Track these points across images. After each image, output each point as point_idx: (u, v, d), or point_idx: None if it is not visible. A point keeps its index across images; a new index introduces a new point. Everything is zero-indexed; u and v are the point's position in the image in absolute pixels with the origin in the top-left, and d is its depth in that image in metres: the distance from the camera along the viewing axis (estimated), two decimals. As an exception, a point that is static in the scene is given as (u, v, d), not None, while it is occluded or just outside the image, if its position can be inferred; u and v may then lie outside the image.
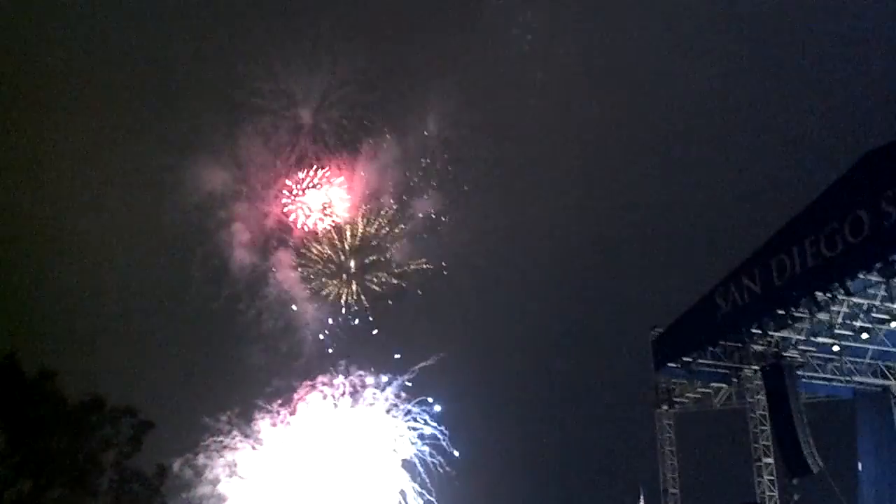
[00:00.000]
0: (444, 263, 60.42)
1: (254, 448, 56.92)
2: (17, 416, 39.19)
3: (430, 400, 59.12)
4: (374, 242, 62.53)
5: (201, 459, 52.64)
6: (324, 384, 59.31)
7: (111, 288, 54.68)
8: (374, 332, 61.47)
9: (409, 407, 59.57)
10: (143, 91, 55.78)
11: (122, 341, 53.50)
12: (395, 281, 62.86)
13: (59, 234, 52.82)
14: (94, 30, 55.85)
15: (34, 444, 38.94)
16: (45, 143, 54.32)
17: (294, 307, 61.14)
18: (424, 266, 61.88)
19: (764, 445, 35.08)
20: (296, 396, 58.67)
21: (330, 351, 60.97)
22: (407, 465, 58.99)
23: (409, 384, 59.15)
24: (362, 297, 62.17)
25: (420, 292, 61.74)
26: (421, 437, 59.35)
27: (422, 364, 58.86)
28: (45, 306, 50.83)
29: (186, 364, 55.29)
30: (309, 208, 61.21)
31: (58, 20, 54.81)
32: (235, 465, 55.83)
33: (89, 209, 54.20)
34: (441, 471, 57.95)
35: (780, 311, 33.26)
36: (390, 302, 62.47)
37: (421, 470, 58.47)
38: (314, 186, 61.39)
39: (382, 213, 62.04)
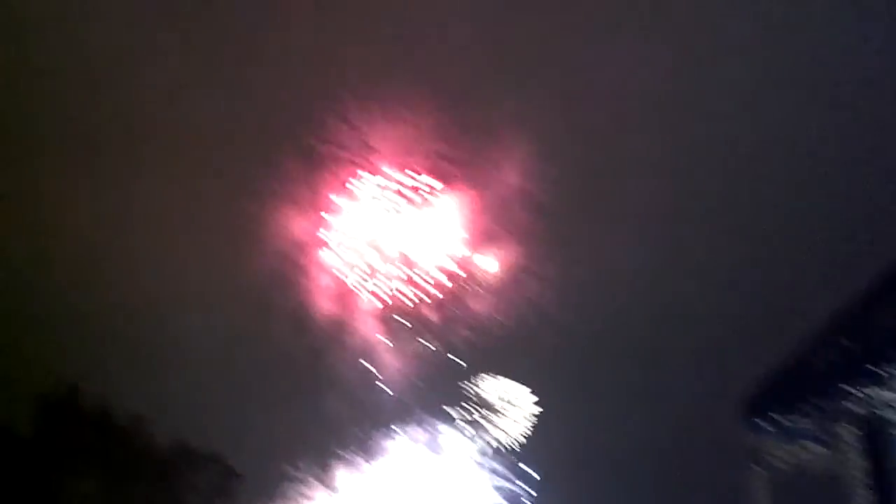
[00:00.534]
0: (526, 317, 60.20)
1: (331, 496, 57.09)
2: (108, 462, 39.98)
3: (511, 454, 58.80)
4: (454, 295, 62.69)
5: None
6: (403, 435, 59.33)
7: (195, 335, 55.82)
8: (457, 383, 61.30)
9: (491, 463, 59.32)
10: (228, 140, 57.47)
11: (207, 389, 54.44)
12: (474, 334, 62.87)
13: (144, 284, 54.34)
14: (180, 82, 57.83)
15: (123, 490, 39.58)
16: (132, 195, 56.31)
17: (375, 357, 61.56)
18: (504, 322, 61.85)
19: (863, 509, 33.88)
20: (375, 446, 58.78)
21: (410, 401, 61.04)
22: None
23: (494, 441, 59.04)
24: (445, 350, 62.25)
25: (500, 345, 61.54)
26: (500, 491, 58.83)
27: (506, 415, 58.65)
28: (134, 353, 52.16)
29: (267, 412, 55.94)
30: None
31: (146, 75, 56.94)
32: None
33: (175, 257, 55.74)
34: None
35: (877, 369, 32.33)
36: (461, 363, 62.51)
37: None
38: (394, 235, 62.06)
39: (461, 264, 62.25)
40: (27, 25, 54.50)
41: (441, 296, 62.34)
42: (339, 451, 57.52)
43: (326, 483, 56.95)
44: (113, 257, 54.31)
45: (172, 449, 42.89)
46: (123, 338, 51.68)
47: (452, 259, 61.89)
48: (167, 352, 52.56)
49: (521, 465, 58.16)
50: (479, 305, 62.06)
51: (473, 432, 59.65)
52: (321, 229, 61.20)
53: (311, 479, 56.40)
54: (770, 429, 37.17)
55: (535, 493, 57.08)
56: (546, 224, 57.88)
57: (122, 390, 43.33)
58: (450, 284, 61.94)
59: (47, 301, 50.77)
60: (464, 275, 62.14)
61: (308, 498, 56.34)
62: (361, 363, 60.68)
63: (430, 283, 62.59)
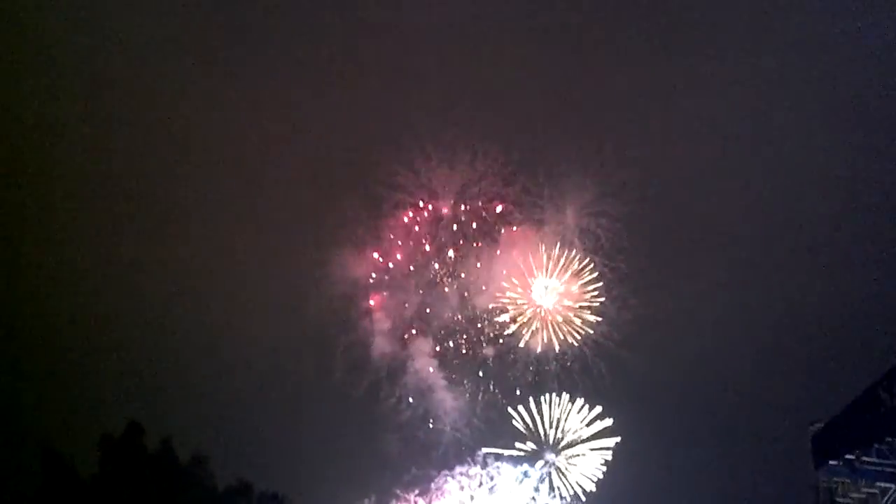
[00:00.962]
0: (585, 351, 59.74)
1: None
2: (172, 499, 40.30)
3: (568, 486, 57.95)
4: (509, 333, 62.43)
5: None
6: (461, 474, 58.83)
7: (257, 379, 56.57)
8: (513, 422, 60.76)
9: (550, 499, 58.44)
10: (292, 186, 58.64)
11: (267, 429, 54.87)
12: (532, 373, 62.46)
13: (209, 329, 55.24)
14: (246, 135, 59.45)
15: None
16: (200, 244, 57.59)
17: (433, 396, 61.42)
18: (563, 359, 61.40)
19: (940, 555, 32.55)
20: (433, 486, 58.38)
21: (467, 440, 60.62)
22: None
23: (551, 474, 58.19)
24: (497, 393, 61.92)
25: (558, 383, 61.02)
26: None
27: (565, 453, 57.92)
28: (198, 395, 52.86)
29: (326, 451, 56.05)
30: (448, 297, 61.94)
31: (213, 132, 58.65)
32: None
33: (240, 303, 56.84)
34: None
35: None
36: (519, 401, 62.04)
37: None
38: (452, 275, 62.21)
39: (520, 302, 62.07)
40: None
41: (499, 334, 62.31)
42: (398, 491, 57.30)
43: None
44: (180, 303, 55.48)
45: (232, 487, 42.98)
46: (187, 380, 52.51)
47: (511, 297, 61.92)
48: (230, 394, 53.23)
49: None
50: (537, 343, 61.81)
51: (532, 470, 59.04)
52: (381, 272, 61.86)
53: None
54: (843, 469, 35.86)
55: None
56: (605, 263, 58.00)
57: (185, 431, 43.76)
58: (508, 322, 61.93)
59: (114, 345, 51.93)
60: (522, 313, 62.08)
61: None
62: (419, 402, 60.73)
63: (488, 322, 62.65)
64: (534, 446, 60.12)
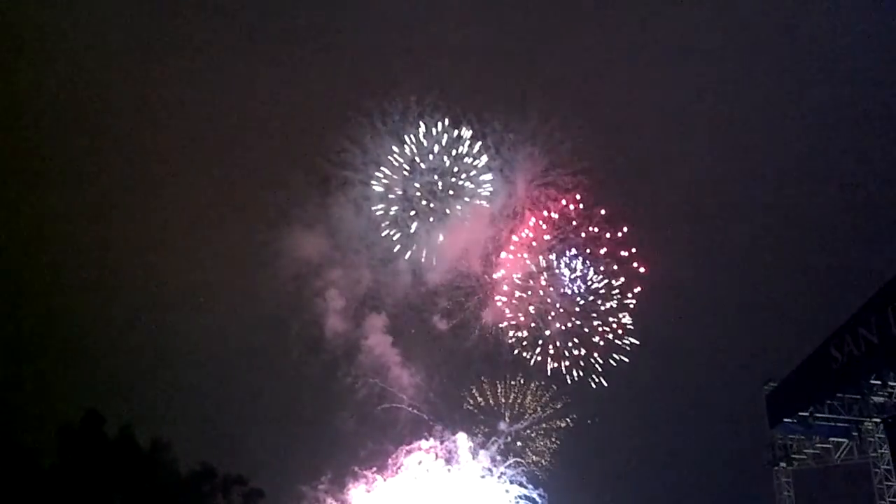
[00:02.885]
0: (537, 324, 60.26)
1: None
2: (134, 486, 39.86)
3: (526, 463, 58.46)
4: (464, 306, 62.70)
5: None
6: (418, 449, 59.09)
7: (213, 361, 55.98)
8: (473, 400, 61.16)
9: (504, 470, 58.91)
10: (242, 164, 57.95)
11: (226, 411, 54.46)
12: (487, 344, 62.79)
13: (162, 311, 54.59)
14: (199, 109, 58.36)
15: (149, 514, 39.41)
16: (150, 224, 56.71)
17: (388, 374, 61.47)
18: (518, 333, 61.81)
19: (891, 502, 33.77)
20: (390, 462, 58.56)
21: (424, 416, 60.83)
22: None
23: (507, 447, 58.67)
24: (458, 362, 62.10)
25: (515, 353, 61.51)
26: (519, 499, 58.48)
27: (519, 426, 58.40)
28: (155, 380, 52.28)
29: (283, 431, 55.88)
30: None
31: (168, 110, 57.56)
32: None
33: (193, 283, 56.07)
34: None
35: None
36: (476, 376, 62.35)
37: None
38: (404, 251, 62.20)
39: (474, 275, 62.30)
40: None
41: (452, 308, 62.53)
42: (356, 468, 57.35)
43: (344, 500, 56.74)
44: (133, 286, 54.62)
45: (195, 472, 42.65)
46: (144, 365, 51.87)
47: (463, 269, 62.14)
48: (187, 378, 52.69)
49: (535, 473, 57.97)
50: (490, 315, 62.20)
51: (487, 444, 59.55)
52: (333, 250, 61.50)
53: (328, 498, 56.20)
54: (797, 426, 36.96)
55: (546, 495, 56.79)
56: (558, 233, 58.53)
57: (144, 417, 43.26)
58: (460, 296, 62.18)
59: (70, 331, 50.91)
60: (474, 283, 62.39)
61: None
62: (375, 380, 60.73)
63: (440, 296, 62.82)
64: (488, 419, 60.74)
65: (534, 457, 58.34)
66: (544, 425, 57.99)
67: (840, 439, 37.60)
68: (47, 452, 39.51)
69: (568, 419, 57.62)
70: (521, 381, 60.07)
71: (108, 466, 39.33)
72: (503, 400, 60.50)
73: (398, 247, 61.94)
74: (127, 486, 39.77)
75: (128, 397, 46.03)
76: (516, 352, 61.18)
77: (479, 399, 61.35)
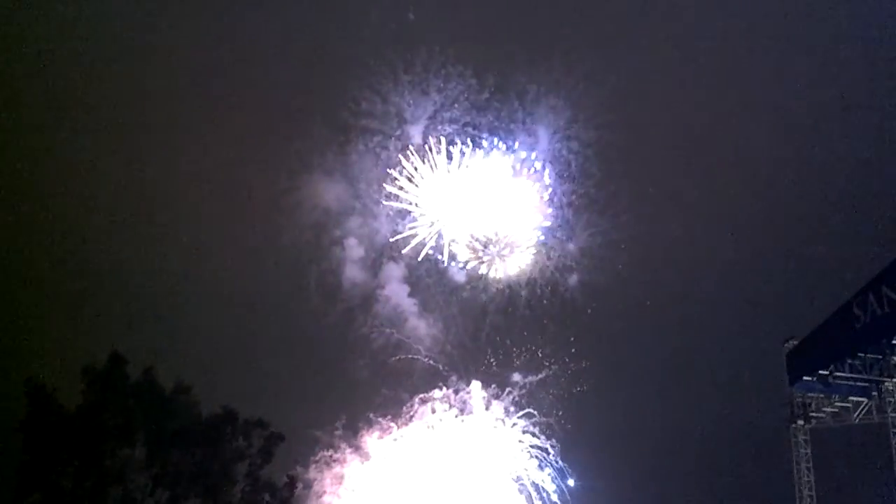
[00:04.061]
0: (556, 276, 60.22)
1: (362, 462, 57.42)
2: (156, 429, 40.29)
3: (537, 414, 58.81)
4: (482, 259, 62.67)
5: (312, 472, 53.33)
6: (432, 399, 59.55)
7: (234, 308, 56.42)
8: (490, 353, 61.38)
9: (517, 420, 59.34)
10: (262, 114, 57.71)
11: (245, 358, 54.95)
12: (503, 298, 62.88)
13: (184, 258, 54.85)
14: (216, 63, 58.00)
15: (171, 455, 39.93)
16: (172, 172, 56.69)
17: (405, 324, 61.74)
18: (531, 285, 61.79)
19: (908, 461, 33.84)
20: (404, 410, 59.06)
21: (439, 367, 61.20)
22: (517, 476, 58.65)
23: (521, 399, 58.99)
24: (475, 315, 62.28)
25: (529, 307, 61.60)
26: (529, 449, 58.97)
27: (533, 377, 58.64)
28: (177, 326, 52.63)
29: (300, 378, 56.37)
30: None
31: (188, 59, 57.11)
32: (344, 477, 56.44)
33: (213, 231, 56.17)
34: (554, 485, 57.53)
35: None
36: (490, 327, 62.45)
37: (531, 481, 58.09)
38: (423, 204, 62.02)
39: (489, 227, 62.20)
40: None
41: (471, 258, 62.55)
42: (370, 415, 57.85)
43: (359, 446, 57.35)
44: (154, 232, 54.83)
45: (217, 415, 43.05)
46: (167, 311, 52.21)
47: (480, 222, 62.00)
48: (209, 324, 53.07)
49: (550, 423, 58.28)
50: (509, 268, 62.21)
51: (501, 395, 59.94)
52: (353, 199, 61.43)
53: (343, 444, 56.82)
54: (816, 384, 36.99)
55: (557, 444, 57.18)
56: (578, 187, 58.16)
57: (166, 360, 43.60)
58: (479, 247, 62.14)
59: (93, 275, 51.25)
60: (492, 236, 62.29)
61: (341, 462, 56.78)
62: (391, 331, 61.04)
63: (460, 247, 62.81)
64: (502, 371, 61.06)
65: (547, 408, 58.84)
66: (559, 378, 58.39)
67: (859, 398, 37.65)
68: (71, 395, 39.95)
69: (584, 368, 58.03)
70: (537, 334, 60.40)
71: (132, 408, 39.64)
72: (518, 352, 60.82)
73: (417, 198, 62.06)
74: (150, 427, 40.10)
75: (150, 341, 46.48)
76: (532, 304, 61.53)
77: (495, 351, 61.74)
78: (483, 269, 61.91)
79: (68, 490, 37.96)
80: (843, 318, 35.29)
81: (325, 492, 54.44)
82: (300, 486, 49.24)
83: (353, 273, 60.12)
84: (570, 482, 55.87)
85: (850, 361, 36.25)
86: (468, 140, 60.70)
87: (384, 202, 61.12)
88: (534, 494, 57.90)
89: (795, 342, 38.29)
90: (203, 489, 40.93)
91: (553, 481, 57.67)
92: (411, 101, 58.73)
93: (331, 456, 56.01)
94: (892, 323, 33.41)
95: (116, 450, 39.69)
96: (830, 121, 54.33)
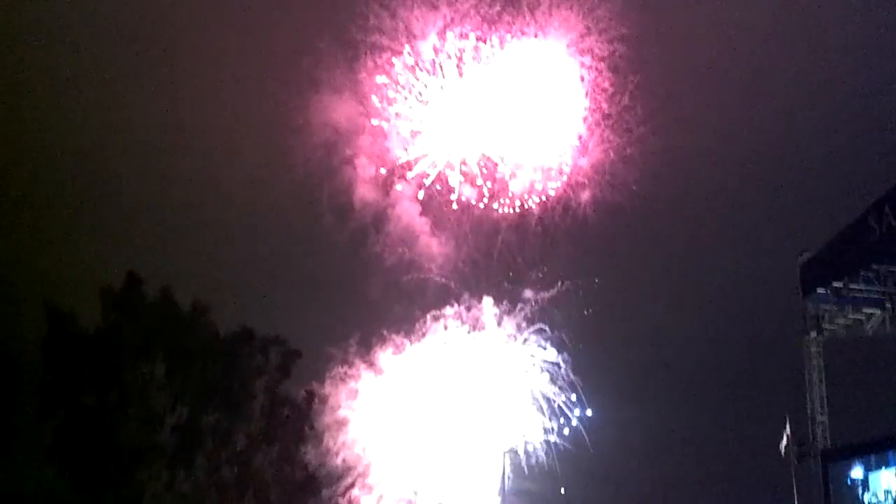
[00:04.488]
0: (570, 193, 60.08)
1: (376, 377, 58.30)
2: (174, 348, 40.86)
3: (548, 329, 59.31)
4: (494, 176, 62.44)
5: (327, 387, 54.16)
6: (445, 316, 60.11)
7: (248, 227, 56.53)
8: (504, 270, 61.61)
9: (528, 336, 59.87)
10: (272, 31, 56.89)
11: (260, 276, 55.35)
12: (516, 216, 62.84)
13: (198, 176, 54.63)
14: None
15: (191, 373, 40.59)
16: (182, 91, 56.16)
17: (417, 241, 61.90)
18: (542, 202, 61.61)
19: (920, 372, 34.13)
20: (417, 327, 59.69)
21: (451, 284, 61.56)
22: (530, 391, 59.51)
23: (532, 315, 59.42)
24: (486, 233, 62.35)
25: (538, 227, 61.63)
26: (541, 365, 59.68)
27: (545, 294, 58.96)
28: (193, 245, 52.82)
29: (313, 296, 56.83)
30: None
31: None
32: (358, 392, 57.38)
33: (225, 149, 55.97)
34: (565, 397, 58.40)
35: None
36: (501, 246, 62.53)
37: (542, 394, 58.95)
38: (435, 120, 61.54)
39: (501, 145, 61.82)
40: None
41: (482, 179, 62.36)
42: (384, 331, 58.49)
43: (372, 362, 58.13)
44: (168, 150, 54.62)
45: (235, 333, 43.63)
46: (182, 229, 52.40)
47: (492, 140, 61.60)
48: (222, 243, 53.30)
49: (562, 338, 58.80)
50: (518, 186, 62.03)
51: (513, 311, 60.40)
52: (363, 117, 60.95)
53: (357, 360, 57.59)
54: (830, 296, 37.11)
55: (570, 359, 57.83)
56: (590, 103, 57.51)
57: (182, 281, 43.91)
58: (490, 166, 61.89)
59: (109, 194, 51.35)
60: (503, 156, 61.96)
61: (355, 378, 57.64)
62: (403, 249, 61.27)
63: (470, 167, 62.53)
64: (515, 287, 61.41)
65: (559, 324, 59.32)
66: (571, 294, 58.70)
67: (873, 310, 37.78)
68: (88, 315, 40.42)
69: (595, 284, 58.25)
70: (550, 252, 60.54)
71: (150, 328, 40.13)
72: (530, 269, 61.06)
73: (427, 116, 61.55)
74: (168, 346, 40.66)
75: (164, 262, 46.77)
76: (545, 222, 61.53)
77: (506, 268, 62.00)
78: (494, 187, 61.84)
79: (91, 407, 38.63)
80: (858, 230, 35.20)
81: (339, 406, 55.50)
82: (316, 401, 50.11)
83: (363, 192, 60.11)
84: (588, 412, 56.59)
85: (864, 273, 36.20)
86: (479, 55, 60.16)
87: (394, 120, 60.87)
88: (544, 406, 58.91)
89: (810, 255, 38.24)
90: (223, 405, 41.77)
91: (563, 394, 58.62)
92: (420, 16, 57.91)
93: (345, 372, 56.89)
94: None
95: (136, 368, 40.25)
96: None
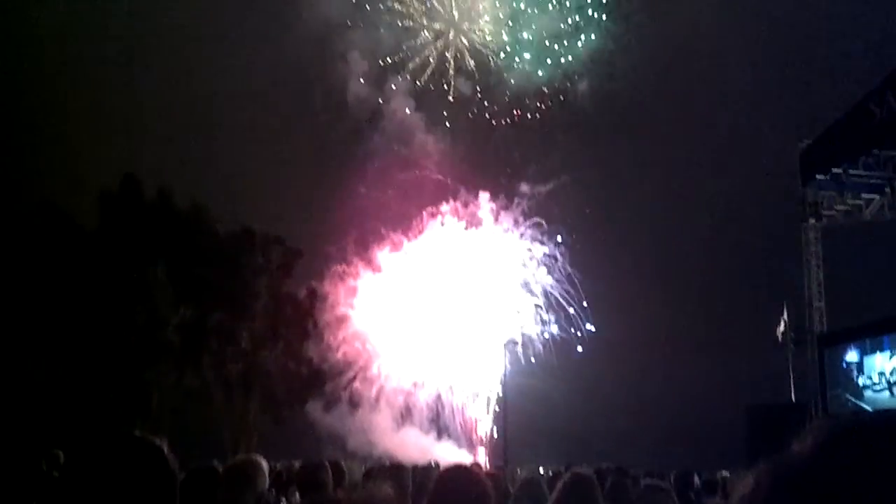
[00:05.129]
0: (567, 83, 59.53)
1: (374, 274, 58.73)
2: (174, 249, 40.85)
3: (545, 223, 59.53)
4: (488, 66, 61.62)
5: (326, 286, 54.58)
6: (442, 212, 60.18)
7: (243, 125, 55.85)
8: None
9: (525, 230, 60.13)
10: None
11: (257, 175, 55.02)
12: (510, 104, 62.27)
13: (193, 74, 53.76)
14: None
15: (192, 275, 40.68)
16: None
17: (412, 138, 61.49)
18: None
19: (917, 254, 34.36)
20: (414, 224, 59.82)
21: (448, 181, 61.44)
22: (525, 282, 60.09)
23: (530, 209, 59.55)
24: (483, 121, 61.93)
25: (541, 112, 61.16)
26: (538, 257, 60.09)
27: (542, 187, 59.02)
28: (190, 145, 52.33)
29: (313, 195, 56.76)
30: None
31: None
32: (357, 290, 57.92)
33: (220, 45, 54.84)
34: (563, 292, 59.02)
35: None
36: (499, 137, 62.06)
37: (540, 287, 59.58)
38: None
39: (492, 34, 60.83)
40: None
41: (475, 67, 61.58)
42: (382, 231, 58.70)
43: (370, 260, 58.49)
44: (163, 49, 53.65)
45: (235, 233, 43.63)
46: (179, 130, 51.90)
47: (486, 32, 60.63)
48: (217, 143, 52.96)
49: (557, 230, 59.10)
50: (515, 76, 61.31)
51: (511, 206, 60.49)
52: (353, 10, 59.75)
53: (355, 258, 57.93)
54: (829, 183, 37.04)
55: (566, 252, 58.30)
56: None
57: (180, 182, 43.67)
58: (484, 52, 61.04)
59: (105, 95, 50.56)
60: (498, 47, 61.06)
61: (353, 276, 58.08)
62: (399, 146, 60.92)
63: (465, 59, 61.68)
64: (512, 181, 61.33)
65: (556, 217, 59.49)
66: (568, 188, 58.69)
67: (872, 196, 37.73)
68: (86, 217, 40.26)
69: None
70: (547, 145, 60.27)
71: (149, 229, 39.97)
72: (527, 163, 60.90)
73: (421, 8, 60.37)
74: (169, 247, 40.60)
75: (164, 163, 46.43)
76: (541, 114, 61.05)
77: (503, 163, 61.83)
78: (489, 80, 61.13)
79: (94, 308, 38.69)
80: (859, 115, 34.80)
81: (339, 304, 56.07)
82: (317, 298, 50.58)
83: (357, 89, 59.42)
84: (590, 327, 57.18)
85: (864, 159, 36.05)
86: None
87: (387, 13, 59.69)
88: (540, 298, 59.60)
89: (809, 141, 38.00)
90: (226, 304, 42.06)
91: (559, 284, 59.23)
92: None
93: (343, 270, 57.35)
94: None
95: (138, 269, 40.23)
96: None
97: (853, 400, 35.23)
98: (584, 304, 57.48)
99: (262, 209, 49.44)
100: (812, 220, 38.65)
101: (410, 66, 60.52)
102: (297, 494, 8.17)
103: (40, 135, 44.59)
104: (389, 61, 60.11)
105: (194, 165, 48.31)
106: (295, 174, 55.47)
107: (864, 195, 37.78)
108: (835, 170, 36.53)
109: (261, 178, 54.60)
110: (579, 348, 57.39)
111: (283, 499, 9.51)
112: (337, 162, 58.80)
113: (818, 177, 37.35)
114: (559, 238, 58.70)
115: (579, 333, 57.54)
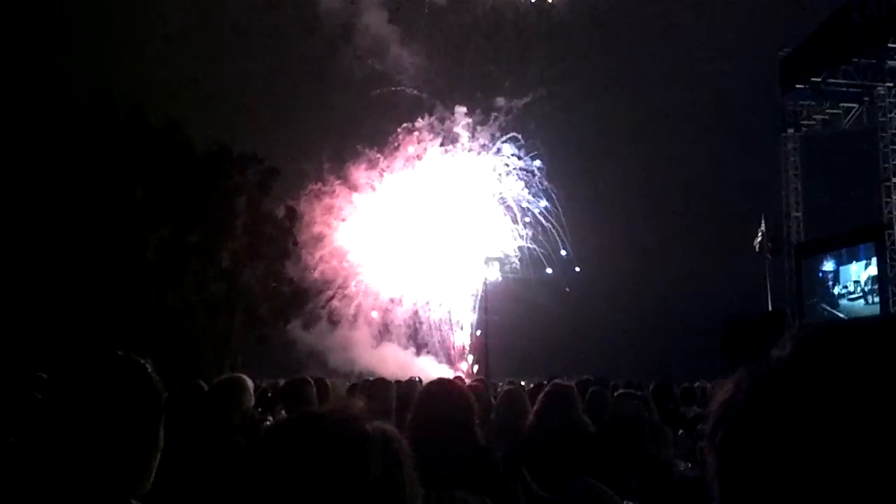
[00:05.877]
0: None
1: (350, 193, 58.42)
2: (150, 168, 40.39)
3: (521, 138, 59.24)
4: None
5: (303, 205, 54.22)
6: (417, 128, 59.65)
7: (214, 39, 54.68)
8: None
9: (501, 145, 59.84)
10: None
11: (233, 93, 54.15)
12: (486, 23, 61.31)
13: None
14: None
15: (171, 195, 40.34)
16: None
17: (387, 53, 60.50)
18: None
19: (894, 165, 34.46)
20: (390, 140, 59.31)
21: (423, 96, 60.73)
22: (502, 198, 60.08)
23: (506, 124, 59.15)
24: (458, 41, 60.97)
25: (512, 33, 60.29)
26: (515, 172, 59.95)
27: (519, 101, 58.52)
28: (161, 63, 51.29)
29: (285, 113, 56.06)
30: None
31: None
32: (334, 209, 57.68)
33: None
34: (541, 209, 59.12)
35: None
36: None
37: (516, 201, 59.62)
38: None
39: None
40: None
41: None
42: (357, 147, 58.20)
43: (346, 178, 58.13)
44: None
45: (211, 151, 43.05)
46: (148, 49, 50.83)
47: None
48: (191, 61, 51.87)
49: (534, 144, 58.85)
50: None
51: (488, 121, 60.05)
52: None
53: (331, 177, 57.55)
54: (808, 92, 36.96)
55: (544, 167, 58.23)
56: None
57: (155, 99, 42.86)
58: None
59: (77, 12, 49.25)
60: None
61: (330, 194, 57.78)
62: (373, 61, 59.94)
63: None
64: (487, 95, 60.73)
65: (533, 132, 59.12)
66: (545, 100, 58.21)
67: (851, 105, 37.78)
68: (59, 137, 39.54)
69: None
70: (524, 58, 59.55)
71: (123, 146, 39.37)
72: (504, 76, 60.25)
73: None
74: (143, 165, 40.09)
75: (137, 81, 45.52)
76: (519, 26, 60.14)
77: (480, 77, 61.13)
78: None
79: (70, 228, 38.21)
80: (839, 23, 34.68)
81: (315, 222, 55.88)
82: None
83: (329, 1, 58.16)
84: (577, 269, 57.11)
85: (844, 68, 35.92)
86: None
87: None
88: (518, 214, 59.66)
89: (789, 50, 37.81)
90: (205, 223, 41.77)
91: (536, 199, 59.27)
92: None
93: (320, 188, 56.97)
94: (889, 24, 32.91)
95: (116, 191, 39.76)
96: None
97: (829, 309, 35.98)
98: (562, 218, 57.61)
99: (237, 127, 48.80)
100: (791, 130, 38.79)
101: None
102: (283, 412, 8.26)
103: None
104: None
105: (167, 85, 47.52)
106: (268, 92, 54.77)
107: (842, 104, 37.88)
108: (814, 79, 36.43)
109: (234, 95, 53.82)
110: (548, 270, 57.54)
111: (270, 416, 9.64)
112: (311, 78, 57.93)
113: (798, 86, 37.27)
114: (536, 152, 58.46)
115: (560, 250, 57.75)
